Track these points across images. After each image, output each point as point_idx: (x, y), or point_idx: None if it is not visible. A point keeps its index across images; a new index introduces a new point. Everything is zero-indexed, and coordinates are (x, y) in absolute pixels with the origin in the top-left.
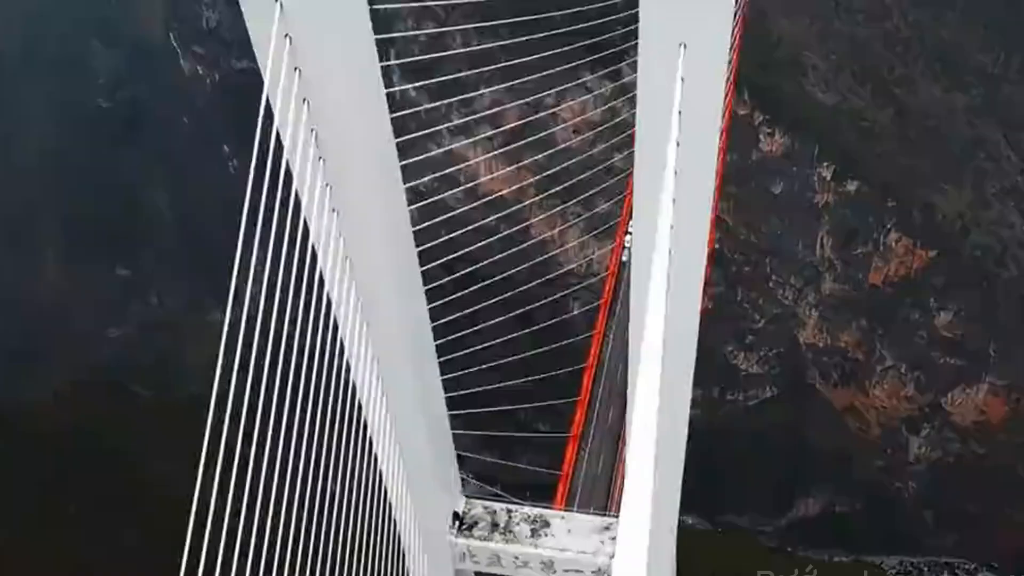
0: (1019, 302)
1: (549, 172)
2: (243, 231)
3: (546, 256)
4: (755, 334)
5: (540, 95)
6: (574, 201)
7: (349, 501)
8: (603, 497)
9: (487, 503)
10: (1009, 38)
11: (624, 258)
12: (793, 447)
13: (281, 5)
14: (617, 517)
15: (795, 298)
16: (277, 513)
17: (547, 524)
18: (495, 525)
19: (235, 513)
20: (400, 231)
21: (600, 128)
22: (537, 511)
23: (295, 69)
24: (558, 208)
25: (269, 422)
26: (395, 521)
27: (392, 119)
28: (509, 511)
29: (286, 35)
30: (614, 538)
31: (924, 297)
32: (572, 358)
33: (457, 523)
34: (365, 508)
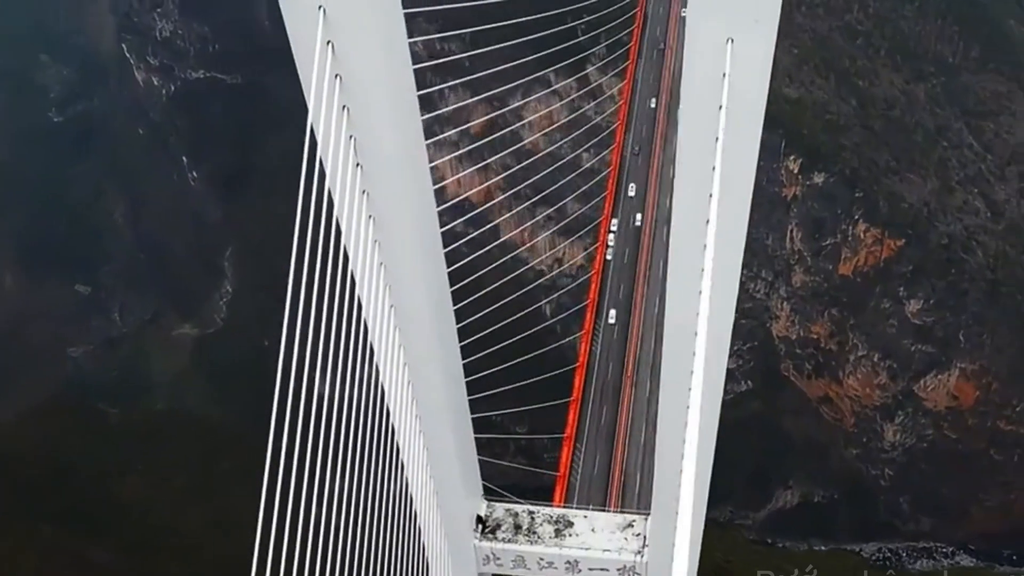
0: (986, 287)
1: (524, 179)
2: (296, 237)
3: (518, 262)
4: None
5: (509, 102)
6: (554, 207)
7: (378, 509)
8: (601, 495)
9: (508, 505)
10: (966, 28)
11: (608, 256)
12: (770, 439)
13: (324, 12)
14: (636, 514)
15: (767, 291)
16: (309, 520)
17: (570, 524)
18: (518, 527)
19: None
20: (431, 237)
21: (570, 131)
22: (560, 511)
23: (336, 76)
24: (532, 215)
25: (303, 431)
26: (420, 526)
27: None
28: (531, 512)
29: (328, 42)
30: (638, 534)
31: (893, 286)
32: (550, 360)
33: (480, 526)
34: (392, 515)
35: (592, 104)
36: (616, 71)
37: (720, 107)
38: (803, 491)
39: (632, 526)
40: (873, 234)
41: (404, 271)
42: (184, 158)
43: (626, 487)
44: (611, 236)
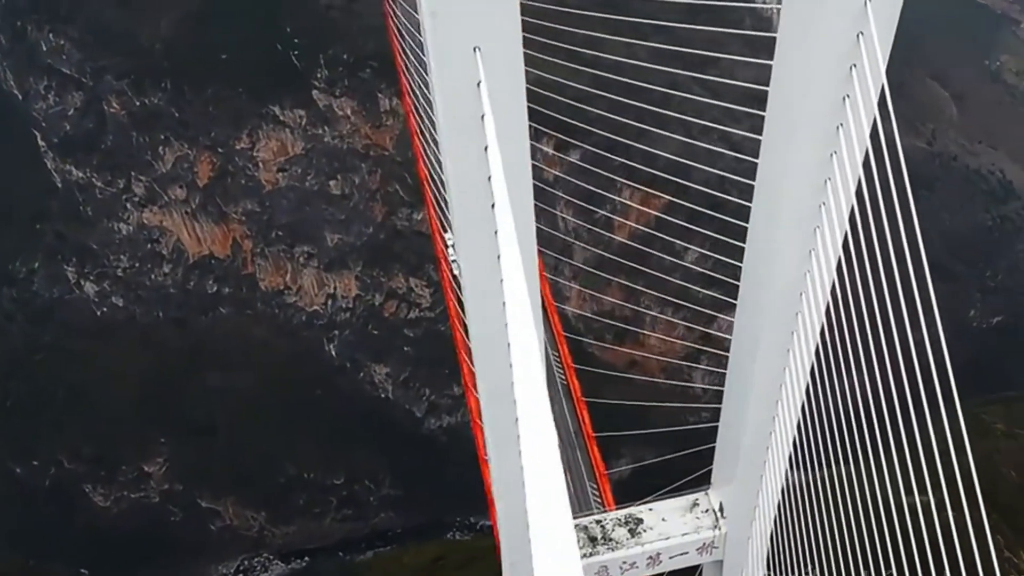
0: (748, 223)
1: (275, 220)
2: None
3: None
4: None
5: (235, 145)
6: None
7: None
8: None
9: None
10: None
11: (455, 271)
12: (592, 417)
13: (480, 52)
14: (693, 492)
15: (553, 274)
16: None
17: (640, 521)
18: (593, 539)
19: None
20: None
21: (307, 159)
22: (624, 512)
23: (481, 117)
24: (292, 255)
25: None
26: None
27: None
28: (598, 521)
29: (478, 83)
30: (707, 510)
31: (669, 240)
32: (344, 399)
33: None
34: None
35: (322, 128)
36: (383, 86)
37: (852, 67)
38: (633, 458)
39: (698, 504)
40: (639, 196)
41: (520, 307)
42: None
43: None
44: (451, 250)
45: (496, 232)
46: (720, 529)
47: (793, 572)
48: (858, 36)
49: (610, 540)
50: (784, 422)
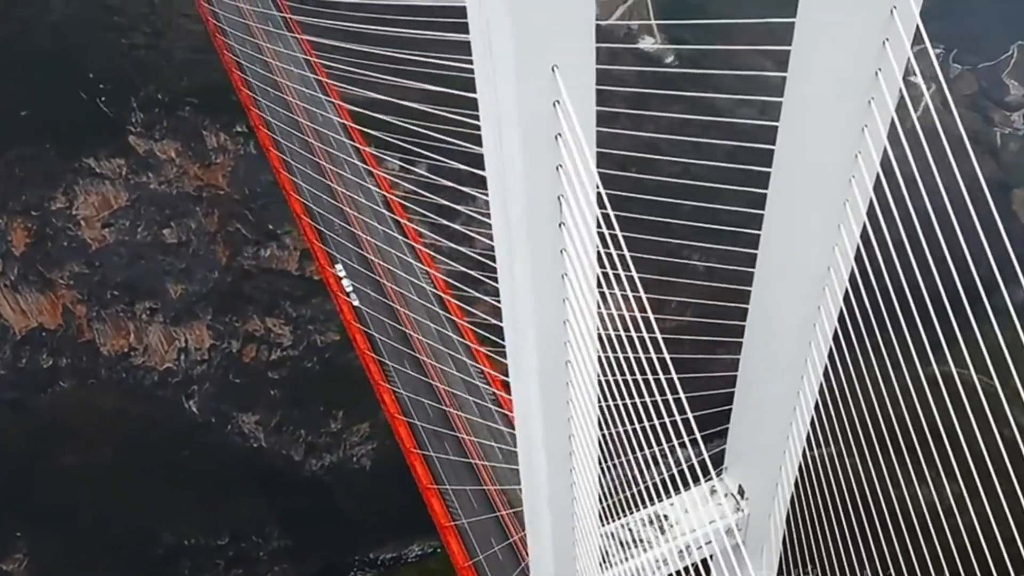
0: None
1: (111, 278)
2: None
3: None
4: None
5: (50, 206)
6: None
7: None
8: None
9: (601, 530)
10: None
11: (355, 303)
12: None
13: (559, 71)
14: (708, 481)
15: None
16: None
17: (665, 517)
18: (624, 544)
19: None
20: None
21: (135, 210)
22: (649, 511)
23: (556, 136)
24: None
25: None
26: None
27: None
28: (624, 525)
29: (555, 102)
30: (726, 495)
31: None
32: (215, 455)
33: None
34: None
35: (147, 175)
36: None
37: (885, 41)
38: None
39: (716, 491)
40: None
41: (586, 325)
42: None
43: (511, 502)
44: (346, 282)
45: (562, 251)
46: (743, 511)
47: (810, 544)
48: (892, 11)
49: (642, 541)
50: (805, 397)
